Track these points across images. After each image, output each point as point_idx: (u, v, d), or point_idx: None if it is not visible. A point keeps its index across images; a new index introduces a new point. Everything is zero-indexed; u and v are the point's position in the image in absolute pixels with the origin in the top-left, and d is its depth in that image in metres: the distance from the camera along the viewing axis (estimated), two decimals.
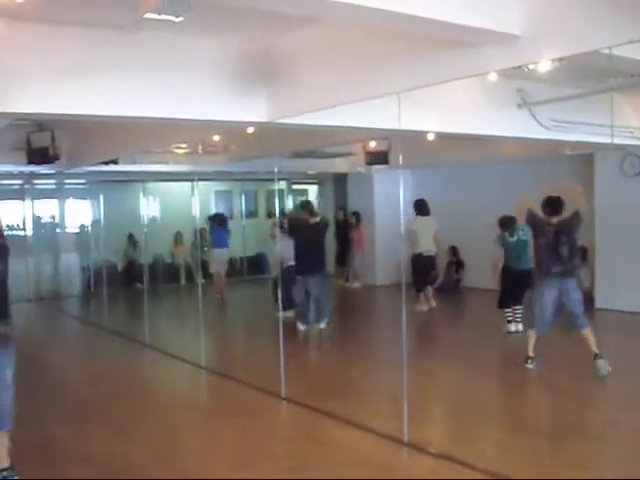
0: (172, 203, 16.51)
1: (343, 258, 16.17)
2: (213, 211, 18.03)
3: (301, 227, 10.10)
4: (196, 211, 9.98)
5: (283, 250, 10.56)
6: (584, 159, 11.41)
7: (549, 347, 7.85)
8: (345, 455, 5.36)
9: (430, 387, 7.34)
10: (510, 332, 9.55)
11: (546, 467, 5.03)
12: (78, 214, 16.61)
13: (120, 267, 16.41)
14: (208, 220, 14.60)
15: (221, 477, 4.91)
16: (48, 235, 16.30)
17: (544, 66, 4.84)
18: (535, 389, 7.37)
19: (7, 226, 15.86)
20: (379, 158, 11.03)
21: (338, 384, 7.51)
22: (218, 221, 14.40)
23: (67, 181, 15.64)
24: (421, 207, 11.73)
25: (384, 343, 9.63)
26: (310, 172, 16.51)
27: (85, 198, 16.31)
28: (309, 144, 10.69)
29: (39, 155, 9.38)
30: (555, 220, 7.44)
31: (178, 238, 16.65)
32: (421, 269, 11.53)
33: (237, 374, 7.85)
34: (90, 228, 16.02)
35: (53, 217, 16.53)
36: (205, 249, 15.84)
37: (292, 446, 5.68)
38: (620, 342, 8.13)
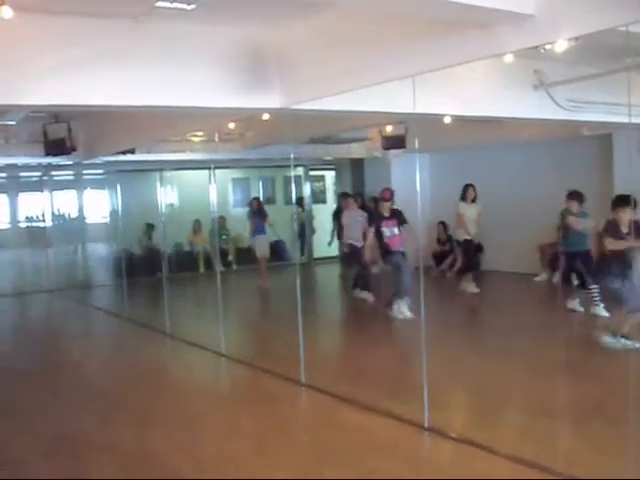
0: (189, 191, 16.51)
1: None
2: (231, 199, 18.10)
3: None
4: (214, 199, 9.99)
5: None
6: (602, 140, 11.29)
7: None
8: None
9: (451, 370, 7.30)
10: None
11: (569, 451, 5.00)
12: (96, 204, 16.69)
13: (139, 256, 16.48)
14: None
15: (243, 465, 4.94)
16: (67, 226, 16.42)
17: (560, 46, 4.76)
18: (561, 372, 7.29)
19: (27, 218, 16.05)
20: (396, 142, 10.98)
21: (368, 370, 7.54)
22: (253, 208, 14.36)
23: (85, 172, 15.74)
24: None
25: (405, 328, 9.61)
26: (327, 158, 16.47)
27: (103, 188, 16.37)
28: (325, 130, 10.68)
29: (56, 147, 9.44)
30: None
31: (197, 226, 16.65)
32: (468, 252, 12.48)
33: (256, 361, 7.88)
34: (108, 218, 16.10)
35: (72, 208, 16.62)
36: (224, 237, 15.90)
37: (314, 432, 5.69)
38: None
